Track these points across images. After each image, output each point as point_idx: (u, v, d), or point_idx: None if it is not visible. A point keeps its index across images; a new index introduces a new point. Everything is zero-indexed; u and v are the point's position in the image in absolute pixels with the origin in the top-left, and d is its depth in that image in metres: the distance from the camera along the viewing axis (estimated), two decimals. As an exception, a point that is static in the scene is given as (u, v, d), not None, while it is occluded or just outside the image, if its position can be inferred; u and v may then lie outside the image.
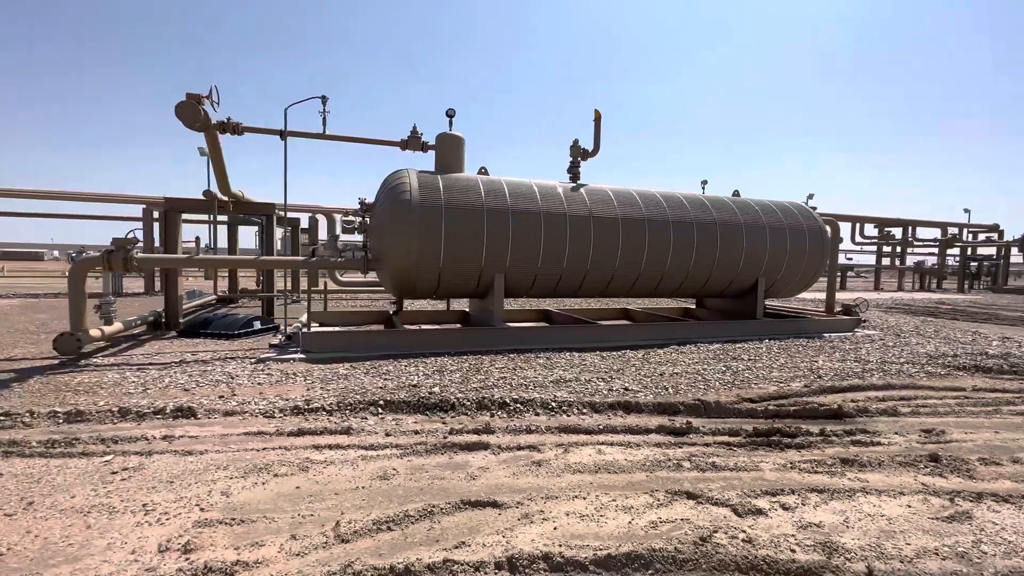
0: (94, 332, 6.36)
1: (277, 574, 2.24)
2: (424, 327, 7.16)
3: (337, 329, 6.82)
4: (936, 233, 30.39)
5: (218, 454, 3.54)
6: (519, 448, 3.77)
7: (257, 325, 8.30)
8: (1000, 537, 2.68)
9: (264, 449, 3.63)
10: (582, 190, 8.17)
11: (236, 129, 6.83)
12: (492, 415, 4.50)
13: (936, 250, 29.95)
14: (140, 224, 15.35)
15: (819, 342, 8.40)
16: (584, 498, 3.03)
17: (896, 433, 4.27)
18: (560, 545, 2.51)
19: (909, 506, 3.05)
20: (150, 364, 6.03)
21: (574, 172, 8.69)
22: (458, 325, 8.98)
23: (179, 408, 4.30)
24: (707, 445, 3.94)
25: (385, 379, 5.48)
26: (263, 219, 9.35)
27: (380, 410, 4.50)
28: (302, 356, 6.11)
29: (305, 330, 6.48)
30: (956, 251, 29.27)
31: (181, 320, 8.52)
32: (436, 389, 5.07)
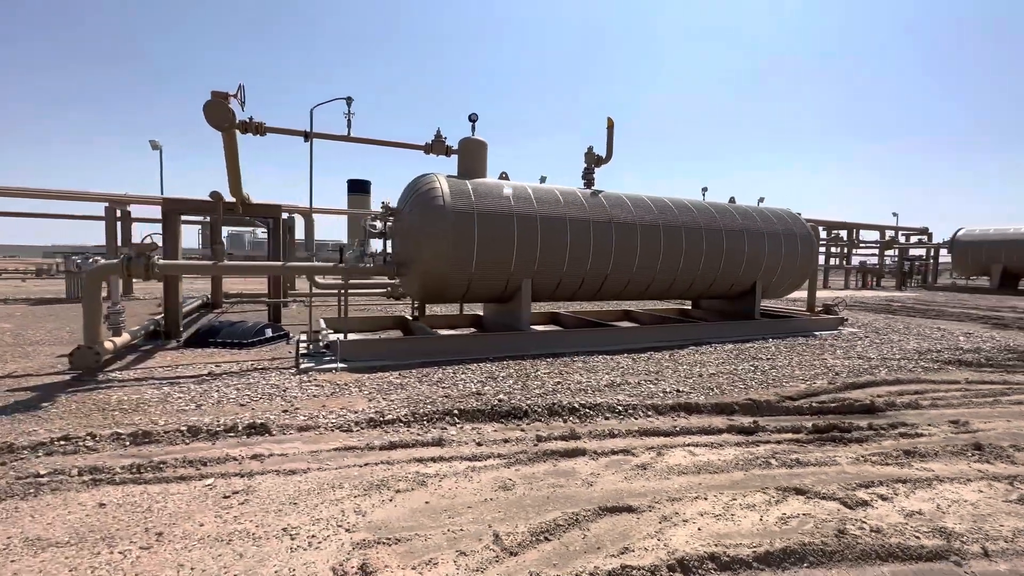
0: (107, 344, 5.93)
1: (474, 590, 2.27)
2: (449, 332, 7.13)
3: (373, 337, 6.68)
4: (875, 235, 32.99)
5: (321, 472, 3.46)
6: (613, 452, 3.90)
7: (268, 333, 7.97)
8: (1072, 514, 3.08)
9: (367, 465, 3.57)
10: (600, 196, 8.38)
11: (259, 129, 6.52)
12: (565, 421, 4.61)
13: (876, 251, 32.48)
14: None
15: (816, 340, 9.02)
16: (705, 498, 3.20)
17: (930, 424, 4.71)
18: (715, 545, 2.67)
19: (981, 491, 3.42)
20: (179, 378, 5.71)
21: (589, 178, 8.90)
22: (472, 329, 8.98)
23: (251, 425, 4.14)
24: (779, 443, 4.22)
25: (443, 387, 5.46)
26: (271, 222, 8.95)
27: (456, 419, 4.50)
28: (344, 366, 5.96)
29: (342, 338, 6.31)
30: (892, 252, 31.87)
31: (181, 329, 8.06)
32: (503, 396, 5.11)
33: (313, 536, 2.69)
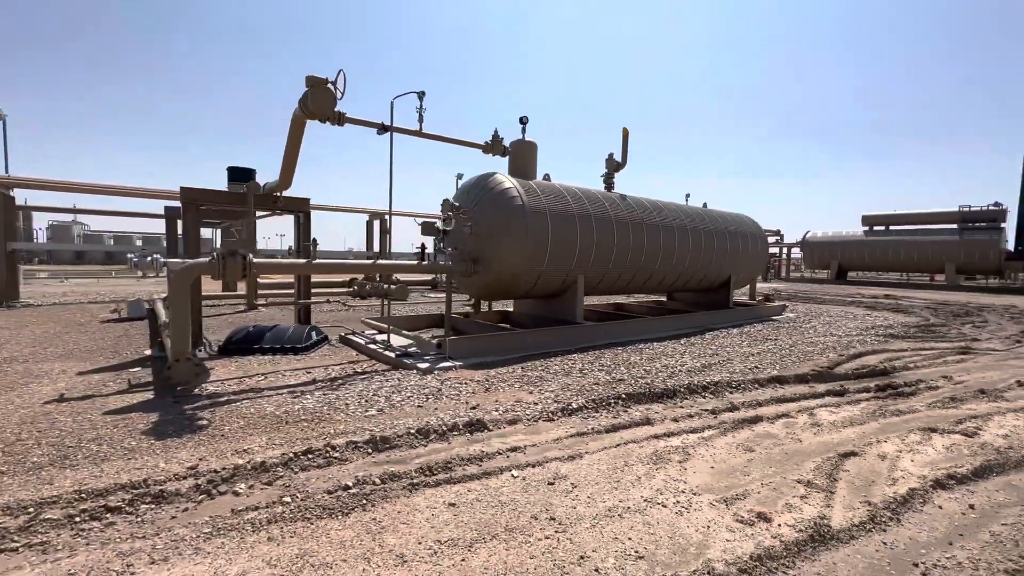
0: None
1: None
2: (523, 330, 7.42)
3: (471, 336, 6.71)
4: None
5: (591, 455, 3.75)
6: (778, 417, 4.74)
7: (314, 336, 7.46)
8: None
9: (618, 446, 3.94)
10: (628, 199, 9.25)
11: (340, 119, 6.07)
12: (703, 396, 5.35)
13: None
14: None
15: (781, 324, 10.94)
16: (886, 441, 4.18)
17: (933, 380, 6.35)
18: (936, 469, 3.62)
19: (1018, 416, 4.91)
20: (302, 385, 5.28)
21: (609, 183, 9.71)
22: (506, 325, 9.26)
23: (469, 423, 4.21)
24: (867, 400, 5.43)
25: (573, 378, 5.84)
26: (301, 216, 8.14)
27: (626, 403, 4.98)
28: (459, 363, 5.98)
29: (454, 339, 6.25)
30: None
31: (208, 337, 7.17)
32: (646, 380, 5.68)
33: (678, 503, 3.08)
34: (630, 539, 2.68)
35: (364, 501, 2.97)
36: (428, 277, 9.41)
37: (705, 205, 12.03)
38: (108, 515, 2.78)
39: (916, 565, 2.53)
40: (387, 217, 14.16)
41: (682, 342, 8.24)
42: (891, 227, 30.20)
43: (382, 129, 6.57)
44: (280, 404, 4.69)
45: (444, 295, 7.06)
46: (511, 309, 9.75)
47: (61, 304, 12.69)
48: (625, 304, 11.97)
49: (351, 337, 7.53)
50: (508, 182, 7.30)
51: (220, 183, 9.96)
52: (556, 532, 2.73)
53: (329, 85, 5.66)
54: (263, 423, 4.19)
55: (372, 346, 6.86)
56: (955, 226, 27.12)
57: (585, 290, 8.73)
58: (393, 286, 6.62)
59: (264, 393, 5.05)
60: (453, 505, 2.98)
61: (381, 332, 7.90)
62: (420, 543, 2.59)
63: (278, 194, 7.36)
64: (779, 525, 2.85)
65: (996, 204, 25.98)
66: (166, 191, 14.19)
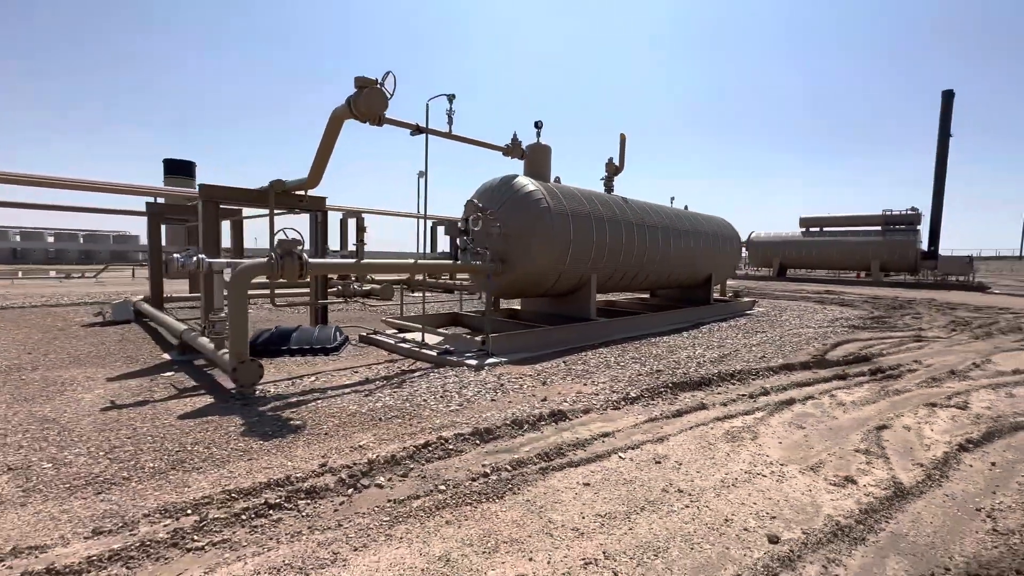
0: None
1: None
2: (550, 327, 7.74)
3: (507, 333, 6.91)
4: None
5: (672, 438, 4.15)
6: (807, 399, 5.35)
7: (339, 337, 7.41)
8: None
9: (692, 428, 4.37)
10: (630, 202, 9.78)
11: (380, 120, 6.05)
12: (732, 383, 5.91)
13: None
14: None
15: (758, 317, 11.92)
16: (901, 416, 4.87)
17: (908, 364, 7.30)
18: (957, 432, 4.32)
19: (991, 391, 5.81)
20: (360, 385, 5.32)
21: (608, 186, 10.22)
22: (515, 320, 9.54)
23: (552, 413, 4.49)
24: (867, 383, 6.19)
25: (614, 370, 6.24)
26: (318, 215, 7.92)
27: (673, 390, 5.44)
28: (504, 359, 6.21)
29: (496, 336, 6.45)
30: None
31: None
32: (681, 371, 6.17)
33: (773, 472, 3.54)
34: (754, 503, 3.09)
35: (509, 485, 3.20)
36: (404, 276, 9.49)
37: (687, 207, 12.86)
38: (271, 511, 2.84)
39: (978, 511, 3.11)
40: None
41: (684, 336, 8.88)
42: (824, 228, 33.09)
43: (416, 130, 6.65)
44: (360, 403, 4.75)
45: (421, 294, 7.23)
46: (518, 307, 10.04)
47: (25, 308, 11.61)
48: (616, 301, 12.57)
49: (375, 337, 7.54)
50: (532, 185, 7.59)
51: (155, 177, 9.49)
52: (692, 502, 3.09)
53: (378, 86, 5.70)
54: (357, 421, 4.27)
55: (403, 345, 6.94)
56: (879, 228, 30.16)
57: (599, 289, 9.18)
58: (378, 286, 6.73)
59: (329, 393, 5.07)
60: (588, 485, 3.27)
61: (400, 331, 7.97)
62: (583, 517, 2.87)
63: (303, 192, 7.21)
64: (864, 486, 3.37)
65: (913, 209, 29.16)
66: (104, 183, 12.54)
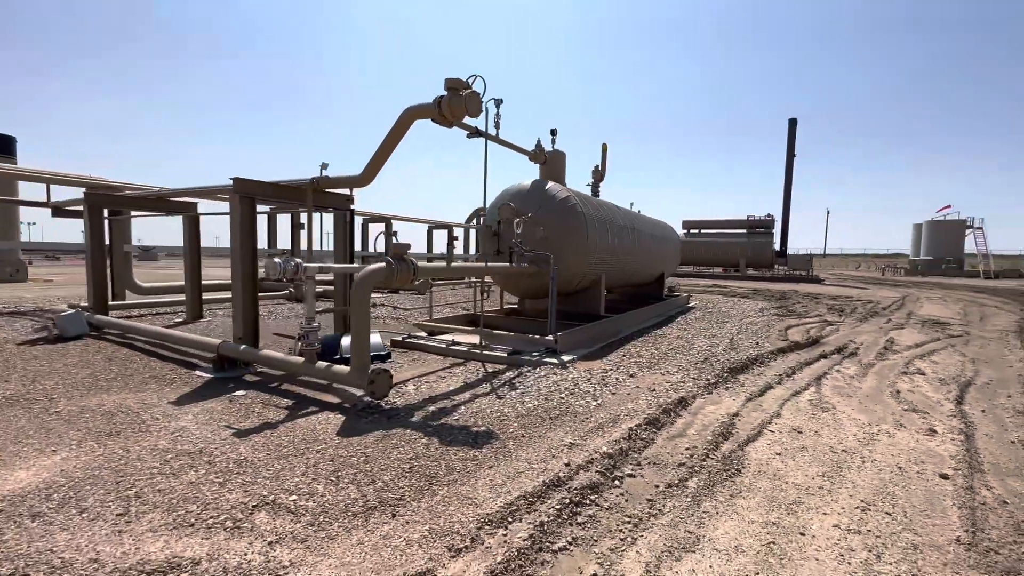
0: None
1: None
2: (586, 324, 8.26)
3: (569, 331, 7.21)
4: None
5: (785, 414, 5.00)
6: (825, 374, 6.64)
7: (387, 344, 7.08)
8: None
9: (784, 402, 5.25)
10: (622, 208, 10.66)
11: (455, 122, 5.88)
12: (758, 366, 7.05)
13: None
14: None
15: (705, 310, 13.69)
16: (900, 380, 6.34)
17: (847, 343, 9.23)
18: (954, 386, 5.82)
19: (935, 362, 7.73)
20: (469, 388, 5.28)
21: (595, 192, 11.01)
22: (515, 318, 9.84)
23: (678, 401, 5.05)
24: (846, 359, 7.78)
25: (672, 360, 6.98)
26: (346, 214, 7.18)
27: (730, 374, 6.34)
28: (574, 356, 6.56)
29: (560, 335, 6.71)
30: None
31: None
32: (722, 358, 7.10)
33: (881, 430, 4.53)
34: (901, 455, 4.01)
35: (744, 462, 3.70)
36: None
37: (640, 212, 14.24)
38: (578, 508, 3.00)
39: (1008, 436, 4.41)
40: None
41: (674, 328, 10.04)
42: (703, 230, 38.17)
43: (474, 133, 6.66)
44: (497, 406, 4.81)
45: (414, 297, 7.40)
46: (515, 305, 10.35)
47: None
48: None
49: (414, 341, 7.35)
50: (565, 191, 8.03)
51: None
52: (863, 460, 3.90)
53: (473, 91, 5.65)
54: (530, 422, 4.38)
55: (456, 348, 6.93)
56: (744, 231, 35.74)
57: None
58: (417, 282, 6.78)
59: (454, 399, 5.01)
60: (779, 455, 3.91)
61: (433, 333, 7.85)
62: (824, 477, 3.51)
63: (346, 191, 6.68)
64: (943, 432, 4.52)
65: (769, 215, 35.11)
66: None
